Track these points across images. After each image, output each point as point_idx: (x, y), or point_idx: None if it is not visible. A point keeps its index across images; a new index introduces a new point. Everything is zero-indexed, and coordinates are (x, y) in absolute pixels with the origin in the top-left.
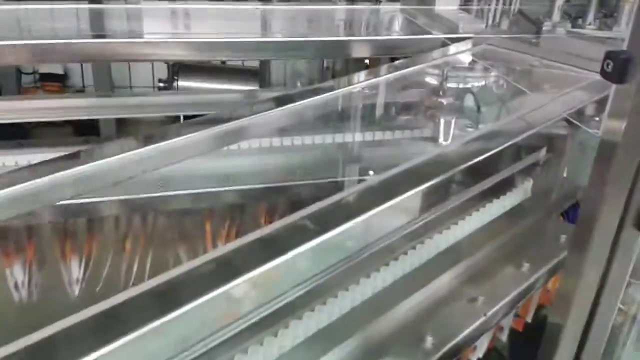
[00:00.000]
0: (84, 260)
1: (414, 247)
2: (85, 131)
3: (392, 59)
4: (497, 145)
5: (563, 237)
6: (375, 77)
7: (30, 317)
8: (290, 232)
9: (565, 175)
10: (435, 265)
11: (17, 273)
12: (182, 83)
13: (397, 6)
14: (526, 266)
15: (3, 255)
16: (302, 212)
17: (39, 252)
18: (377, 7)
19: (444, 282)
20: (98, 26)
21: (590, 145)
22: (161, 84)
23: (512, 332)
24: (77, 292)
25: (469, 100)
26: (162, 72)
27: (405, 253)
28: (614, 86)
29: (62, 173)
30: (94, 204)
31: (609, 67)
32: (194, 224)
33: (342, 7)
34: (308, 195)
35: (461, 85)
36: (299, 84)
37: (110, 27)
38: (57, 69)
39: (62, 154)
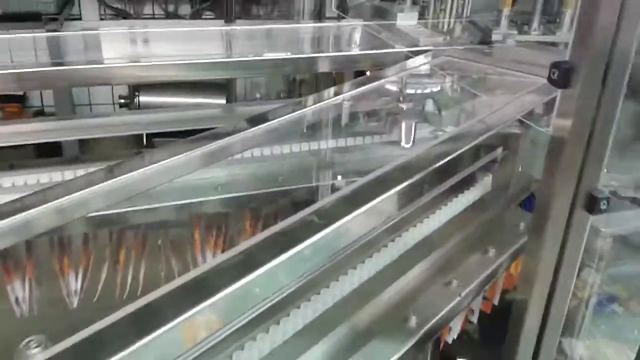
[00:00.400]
0: (80, 273)
1: (392, 240)
2: (48, 152)
3: (359, 72)
4: (461, 146)
5: (522, 225)
6: (350, 90)
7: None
8: (286, 233)
9: (520, 169)
10: (413, 255)
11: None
12: (143, 99)
13: (361, 22)
14: (492, 251)
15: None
16: (293, 217)
17: (37, 267)
18: (342, 23)
19: (421, 269)
20: (57, 53)
21: (540, 141)
22: (122, 101)
23: (482, 316)
24: (75, 304)
25: (433, 107)
26: (123, 88)
27: (386, 246)
28: (559, 90)
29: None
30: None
31: (555, 75)
32: (184, 234)
33: (310, 25)
34: (291, 200)
35: (425, 93)
36: (258, 95)
37: (70, 53)
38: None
39: (24, 176)
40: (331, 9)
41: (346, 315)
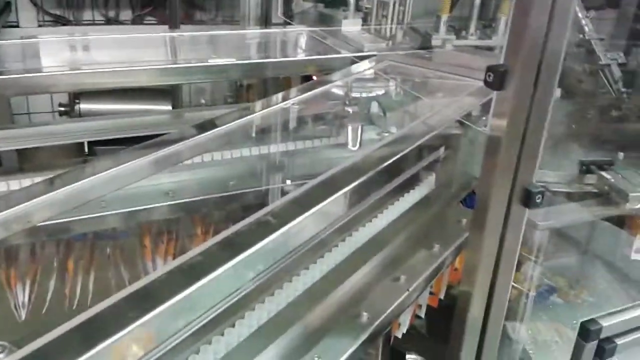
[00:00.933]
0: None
1: (343, 240)
2: None
3: (306, 77)
4: (406, 147)
5: (464, 221)
6: (297, 95)
7: None
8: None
9: (461, 168)
10: (362, 253)
11: None
12: (84, 106)
13: (306, 28)
14: (437, 247)
15: None
16: (243, 221)
17: None
18: (288, 29)
19: (370, 267)
20: None
21: (478, 141)
22: (62, 109)
23: (429, 311)
24: (24, 316)
25: (378, 109)
26: (63, 96)
27: (336, 246)
28: (495, 92)
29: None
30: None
31: (490, 77)
32: (134, 241)
33: (257, 31)
34: (242, 205)
35: (370, 96)
36: (202, 101)
37: (8, 62)
38: None
39: None
40: (277, 15)
41: (300, 314)
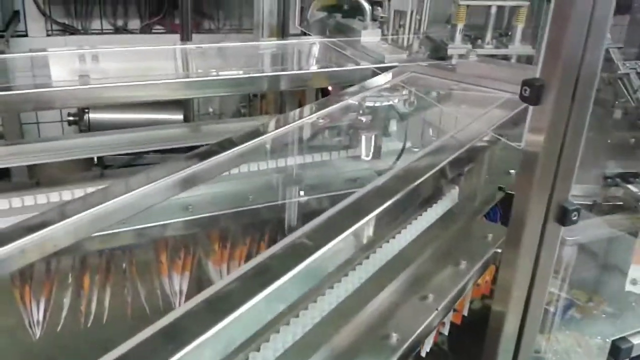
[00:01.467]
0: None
1: (367, 257)
2: None
3: (322, 88)
4: (435, 163)
5: (490, 236)
6: (322, 108)
7: None
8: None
9: (484, 181)
10: (388, 271)
11: None
12: (93, 116)
13: (325, 39)
14: (463, 263)
15: None
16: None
17: None
18: (307, 40)
19: (397, 285)
20: (4, 76)
21: (506, 155)
22: (71, 118)
23: (450, 328)
24: (38, 334)
25: (405, 124)
26: None
27: (360, 263)
28: (531, 107)
29: None
30: None
31: (527, 92)
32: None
33: (274, 42)
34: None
35: (393, 110)
36: (210, 110)
37: (18, 76)
38: None
39: None
40: (294, 25)
41: (327, 336)
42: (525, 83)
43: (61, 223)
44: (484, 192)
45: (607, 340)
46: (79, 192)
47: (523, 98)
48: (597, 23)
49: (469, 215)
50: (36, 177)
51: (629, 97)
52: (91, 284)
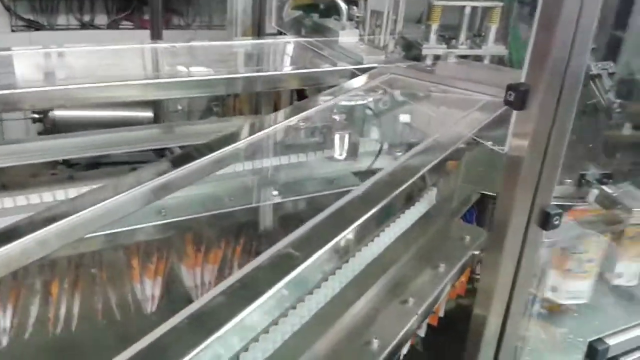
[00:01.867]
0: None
1: (346, 262)
2: None
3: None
4: (417, 167)
5: (467, 238)
6: (301, 112)
7: None
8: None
9: (461, 182)
10: (367, 276)
11: None
12: (58, 113)
13: (302, 39)
14: (442, 266)
15: None
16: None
17: None
18: (283, 39)
19: (377, 289)
20: None
21: (482, 157)
22: (35, 116)
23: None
24: (5, 342)
25: (386, 126)
26: None
27: (339, 268)
28: (515, 112)
29: None
30: None
31: (511, 97)
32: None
33: (250, 42)
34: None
35: (374, 112)
36: (179, 107)
37: None
38: None
39: None
40: (270, 25)
41: (307, 343)
42: (510, 88)
43: (31, 235)
44: (462, 193)
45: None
46: (47, 195)
47: (507, 102)
48: (582, 28)
49: (446, 217)
50: (1, 180)
51: (600, 97)
52: (60, 291)
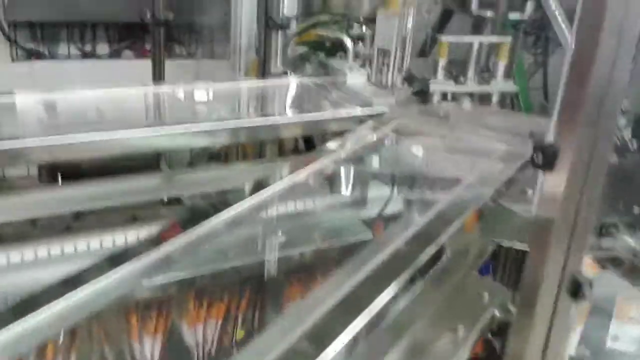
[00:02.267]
0: None
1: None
2: None
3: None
4: (439, 231)
5: (486, 295)
6: (308, 168)
7: None
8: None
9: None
10: (386, 339)
11: None
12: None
13: (309, 79)
14: (461, 329)
15: None
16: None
17: None
18: (289, 80)
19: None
20: None
21: (496, 209)
22: None
23: None
24: None
25: (400, 181)
26: None
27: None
28: (542, 173)
29: None
30: None
31: (539, 158)
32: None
33: (255, 84)
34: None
35: (384, 166)
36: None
37: None
38: None
39: None
40: (275, 65)
41: None
42: (537, 148)
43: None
44: (478, 246)
45: None
46: (42, 249)
47: (535, 165)
48: (616, 83)
49: (461, 272)
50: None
51: (615, 136)
52: (55, 348)
